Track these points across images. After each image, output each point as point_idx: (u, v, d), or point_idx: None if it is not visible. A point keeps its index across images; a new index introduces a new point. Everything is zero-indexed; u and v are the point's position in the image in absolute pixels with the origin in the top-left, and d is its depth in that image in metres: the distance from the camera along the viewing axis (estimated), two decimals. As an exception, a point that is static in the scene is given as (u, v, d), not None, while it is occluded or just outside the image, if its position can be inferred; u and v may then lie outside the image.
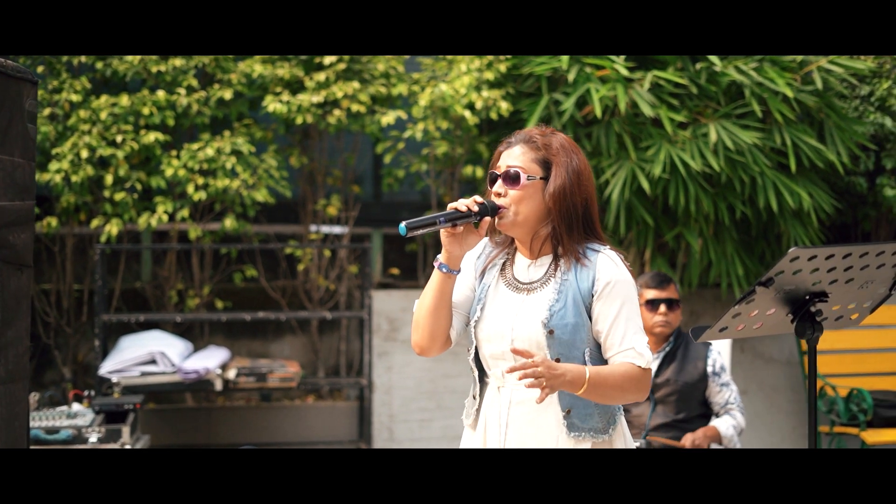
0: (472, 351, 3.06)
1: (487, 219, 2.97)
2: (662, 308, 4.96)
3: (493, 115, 6.46)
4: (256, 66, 6.39)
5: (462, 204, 2.94)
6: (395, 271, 7.04)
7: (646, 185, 6.12)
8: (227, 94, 6.27)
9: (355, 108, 6.37)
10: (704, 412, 4.99)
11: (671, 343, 5.01)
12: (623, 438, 3.02)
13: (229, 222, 6.30)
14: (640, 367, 2.92)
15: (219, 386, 5.95)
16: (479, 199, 2.96)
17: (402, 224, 2.87)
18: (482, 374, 3.08)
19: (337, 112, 6.34)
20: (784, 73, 6.32)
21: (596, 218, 3.01)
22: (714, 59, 6.23)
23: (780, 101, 6.34)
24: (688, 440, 4.82)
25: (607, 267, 2.95)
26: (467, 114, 6.40)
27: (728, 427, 4.90)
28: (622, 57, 6.22)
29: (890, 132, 6.88)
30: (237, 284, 6.77)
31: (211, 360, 6.04)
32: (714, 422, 4.94)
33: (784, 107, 6.31)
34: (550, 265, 3.00)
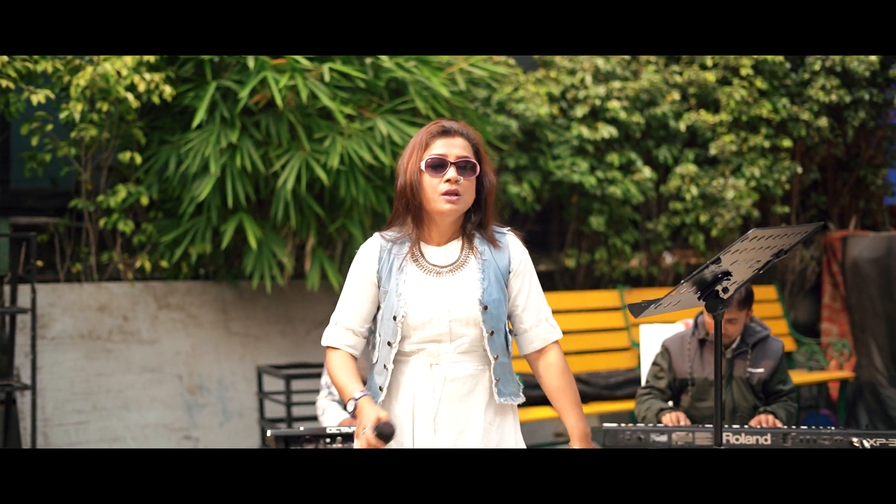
0: (397, 339, 3.05)
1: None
2: None
3: (156, 100, 6.16)
4: None
5: (368, 444, 2.90)
6: (40, 263, 6.47)
7: (323, 176, 6.14)
8: None
9: (4, 83, 5.80)
10: None
11: None
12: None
13: None
14: (558, 340, 3.19)
15: None
16: (376, 430, 2.90)
17: None
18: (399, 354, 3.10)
19: (-16, 88, 5.75)
20: (437, 72, 6.61)
21: None
22: (383, 56, 6.38)
23: (432, 98, 6.62)
24: None
25: (518, 246, 3.18)
26: (130, 97, 6.06)
27: None
28: (296, 47, 6.19)
29: (513, 134, 7.42)
30: None
31: None
32: None
33: (438, 105, 6.59)
34: (463, 247, 3.12)
